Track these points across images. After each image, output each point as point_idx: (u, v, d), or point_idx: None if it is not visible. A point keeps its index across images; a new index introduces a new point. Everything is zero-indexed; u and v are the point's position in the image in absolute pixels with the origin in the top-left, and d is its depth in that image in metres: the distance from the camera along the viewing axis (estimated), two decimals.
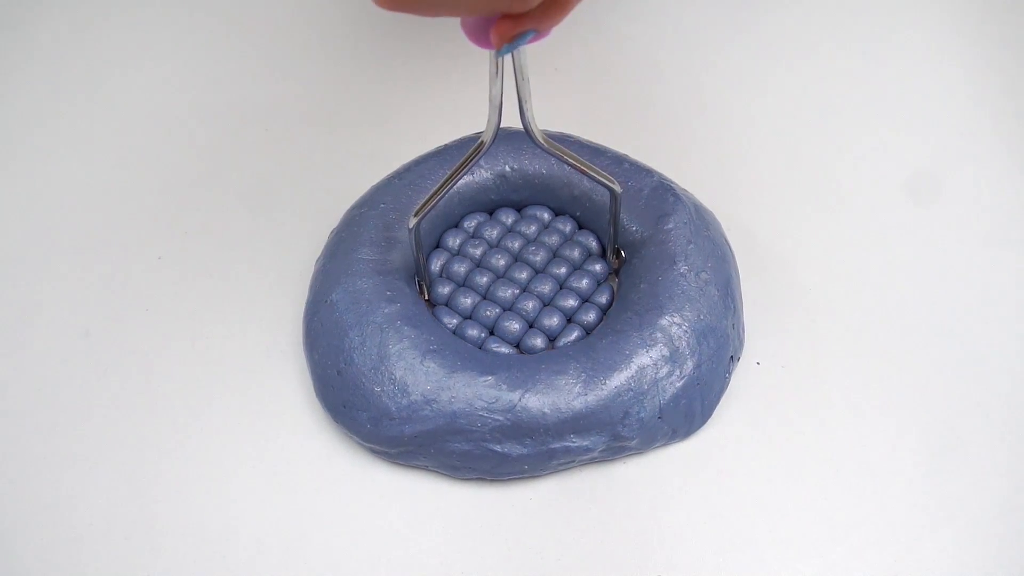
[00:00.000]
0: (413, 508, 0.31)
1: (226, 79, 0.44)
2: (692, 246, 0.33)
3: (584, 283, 0.34)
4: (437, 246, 0.36)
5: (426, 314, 0.33)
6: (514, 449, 0.30)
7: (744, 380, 0.34)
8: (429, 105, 0.42)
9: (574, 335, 0.33)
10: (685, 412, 0.32)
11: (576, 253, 0.35)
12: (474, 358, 0.32)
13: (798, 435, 0.33)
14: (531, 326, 0.34)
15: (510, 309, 0.34)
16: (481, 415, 0.30)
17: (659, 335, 0.32)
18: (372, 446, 0.32)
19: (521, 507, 0.31)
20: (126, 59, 0.45)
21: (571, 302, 0.34)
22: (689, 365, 0.32)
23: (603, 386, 0.31)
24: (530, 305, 0.34)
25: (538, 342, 0.33)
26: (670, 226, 0.34)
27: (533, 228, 0.36)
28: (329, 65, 0.44)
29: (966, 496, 0.31)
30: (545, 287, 0.34)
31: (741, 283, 0.35)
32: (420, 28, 0.44)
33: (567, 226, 0.36)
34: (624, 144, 0.38)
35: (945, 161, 0.40)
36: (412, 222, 0.31)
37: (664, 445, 0.32)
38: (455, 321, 0.34)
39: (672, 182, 0.36)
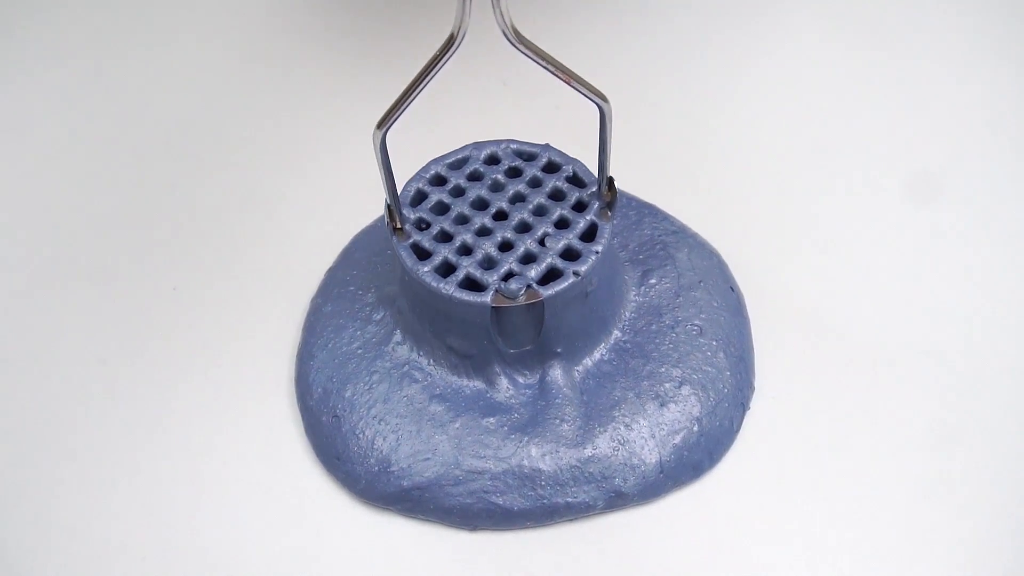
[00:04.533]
0: (414, 554, 0.31)
1: (235, 110, 0.44)
2: (680, 299, 0.33)
3: (578, 224, 0.30)
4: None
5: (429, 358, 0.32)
6: (515, 502, 0.30)
7: (753, 417, 0.33)
8: (433, 135, 0.41)
9: (567, 283, 0.29)
10: (692, 465, 0.31)
11: (564, 189, 0.31)
12: (476, 398, 0.31)
13: (808, 474, 0.32)
14: (511, 270, 0.30)
15: (493, 248, 0.30)
16: (483, 461, 0.30)
17: (645, 383, 0.31)
18: (368, 502, 0.31)
19: (527, 553, 0.31)
20: (138, 92, 0.45)
21: (561, 243, 0.30)
22: (686, 420, 0.31)
23: (598, 436, 0.30)
24: (510, 235, 0.30)
25: (520, 286, 0.29)
26: (653, 281, 0.34)
27: (519, 162, 0.32)
28: (340, 89, 0.44)
29: (992, 534, 0.31)
30: (532, 224, 0.31)
31: (751, 323, 0.34)
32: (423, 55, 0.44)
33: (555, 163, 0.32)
34: (630, 174, 0.37)
35: (953, 187, 0.39)
36: (377, 135, 0.28)
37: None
38: (429, 267, 0.30)
39: (670, 220, 0.35)
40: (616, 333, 0.33)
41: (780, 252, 0.38)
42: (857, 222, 0.39)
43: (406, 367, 0.32)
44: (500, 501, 0.30)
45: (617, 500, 0.30)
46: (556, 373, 0.32)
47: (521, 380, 0.32)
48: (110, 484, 0.33)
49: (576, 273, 0.29)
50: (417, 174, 0.32)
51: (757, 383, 0.34)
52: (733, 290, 0.35)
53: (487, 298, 0.29)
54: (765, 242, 0.38)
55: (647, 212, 0.36)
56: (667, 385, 0.31)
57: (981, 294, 0.36)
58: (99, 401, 0.35)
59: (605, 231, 0.30)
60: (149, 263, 0.39)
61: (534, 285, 0.29)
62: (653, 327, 0.33)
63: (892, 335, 0.35)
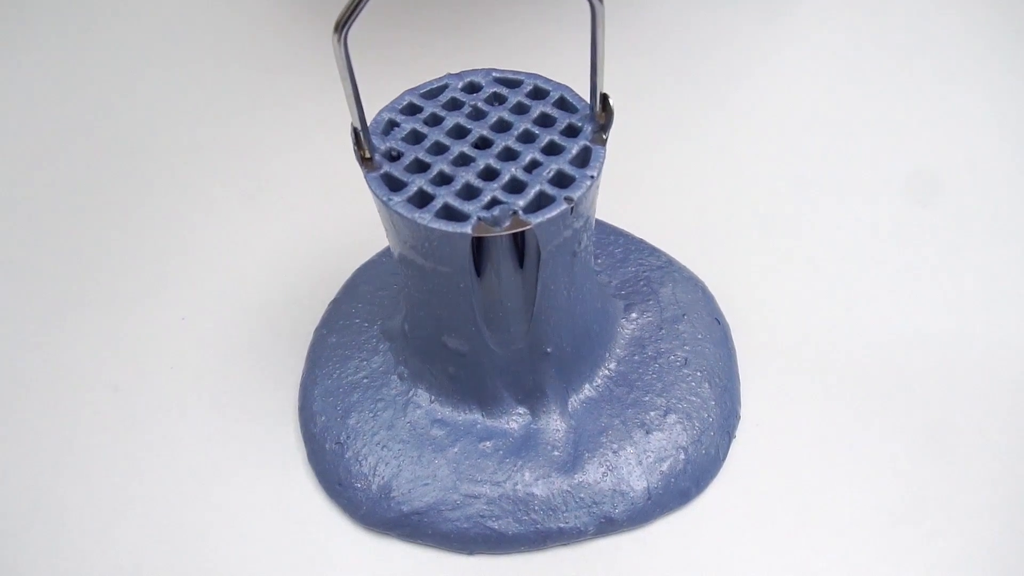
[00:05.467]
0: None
1: (241, 145, 0.46)
2: (663, 332, 0.34)
3: (570, 149, 0.27)
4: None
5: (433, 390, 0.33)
6: (510, 527, 0.31)
7: (739, 444, 0.34)
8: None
9: (558, 210, 0.26)
10: (679, 492, 0.32)
11: (553, 114, 0.28)
12: (474, 422, 0.32)
13: (793, 500, 0.33)
14: (495, 199, 0.26)
15: (475, 176, 0.27)
16: (479, 486, 0.31)
17: (629, 411, 0.32)
18: (368, 528, 0.32)
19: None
20: (148, 124, 0.47)
21: (552, 169, 0.27)
22: (672, 447, 0.32)
23: (587, 463, 0.31)
24: (494, 163, 0.27)
25: (505, 213, 0.26)
26: (634, 315, 0.34)
27: (497, 89, 0.29)
28: (345, 124, 0.45)
29: (974, 558, 0.31)
30: (518, 151, 0.27)
31: (738, 353, 0.35)
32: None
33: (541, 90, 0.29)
34: (620, 208, 0.38)
35: (936, 222, 0.41)
36: (337, 42, 0.24)
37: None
38: (402, 198, 0.26)
39: (657, 255, 0.36)
40: (611, 364, 0.34)
41: (767, 283, 0.39)
42: (845, 253, 0.40)
43: (411, 393, 0.33)
44: (496, 526, 0.31)
45: (607, 526, 0.31)
46: (548, 394, 0.32)
47: (517, 403, 0.32)
48: (121, 508, 0.34)
49: (568, 200, 0.26)
50: (388, 105, 0.29)
51: (743, 411, 0.35)
52: (719, 322, 0.36)
53: (468, 228, 0.26)
54: (753, 274, 0.39)
55: (634, 248, 0.37)
56: (652, 414, 0.32)
57: (962, 326, 0.37)
58: (112, 425, 0.36)
59: (600, 156, 0.27)
60: (160, 294, 0.40)
61: (520, 212, 0.26)
62: (636, 358, 0.33)
63: (875, 364, 0.36)
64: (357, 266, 0.39)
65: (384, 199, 0.26)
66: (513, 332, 0.30)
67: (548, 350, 0.31)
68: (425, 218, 0.26)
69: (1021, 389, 0.35)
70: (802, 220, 0.41)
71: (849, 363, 0.36)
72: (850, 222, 0.41)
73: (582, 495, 0.31)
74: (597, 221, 0.38)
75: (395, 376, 0.34)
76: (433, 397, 0.33)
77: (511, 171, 0.27)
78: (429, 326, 0.31)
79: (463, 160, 0.27)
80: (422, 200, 0.27)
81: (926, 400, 0.35)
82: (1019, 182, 0.42)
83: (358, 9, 0.23)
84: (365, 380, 0.34)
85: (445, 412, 0.33)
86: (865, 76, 0.48)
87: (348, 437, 0.33)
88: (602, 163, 0.27)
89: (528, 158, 0.27)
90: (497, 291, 0.28)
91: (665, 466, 0.32)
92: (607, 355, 0.34)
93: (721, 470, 0.33)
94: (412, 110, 0.29)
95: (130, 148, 0.46)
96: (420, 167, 0.27)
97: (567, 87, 0.29)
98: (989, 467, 0.33)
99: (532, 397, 0.33)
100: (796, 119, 0.46)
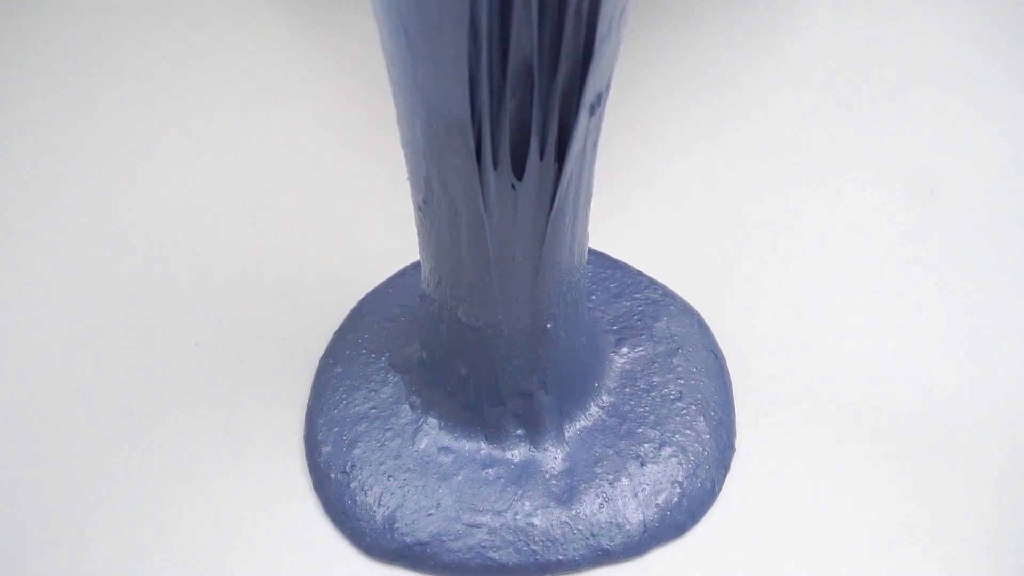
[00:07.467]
0: None
1: (253, 174, 0.46)
2: (656, 366, 0.34)
3: None
4: None
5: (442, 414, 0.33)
6: (511, 557, 0.31)
7: (734, 476, 0.34)
8: None
9: None
10: (675, 525, 0.32)
11: None
12: (477, 449, 0.33)
13: (787, 532, 0.33)
14: None
15: None
16: (481, 515, 0.32)
17: (623, 443, 0.32)
18: (372, 558, 0.33)
19: None
20: (158, 162, 0.48)
21: None
22: (667, 481, 0.32)
23: (584, 493, 0.32)
24: None
25: None
26: (625, 350, 0.35)
27: None
28: (352, 152, 0.46)
29: None
30: None
31: (735, 385, 0.36)
32: None
33: None
34: (618, 237, 0.39)
35: (932, 255, 0.41)
36: None
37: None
38: None
39: (654, 288, 0.36)
40: (603, 396, 0.34)
41: (765, 316, 0.39)
42: (843, 287, 0.40)
43: (421, 420, 0.33)
44: (496, 556, 0.31)
45: (604, 558, 0.32)
46: (544, 413, 0.33)
47: (517, 423, 0.33)
48: (130, 532, 0.35)
49: None
50: None
51: (738, 443, 0.35)
52: (716, 355, 0.36)
53: None
54: (751, 306, 0.40)
55: (630, 282, 0.38)
56: (646, 446, 0.33)
57: (957, 361, 0.38)
58: (126, 449, 0.37)
59: None
60: (174, 320, 0.41)
61: None
62: (627, 390, 0.34)
63: (870, 397, 0.37)
64: (362, 295, 0.39)
65: None
66: (520, 302, 0.29)
67: (548, 326, 0.30)
68: None
69: (1013, 423, 0.36)
70: (801, 254, 0.42)
71: (845, 396, 0.37)
72: (848, 256, 0.42)
73: (580, 527, 0.32)
74: (594, 252, 0.39)
75: (406, 405, 0.34)
76: (442, 424, 0.34)
77: None
78: (449, 298, 0.29)
79: None
80: None
81: (921, 433, 0.36)
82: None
83: None
84: (373, 410, 0.34)
85: (452, 439, 0.33)
86: (863, 108, 0.48)
87: (354, 467, 0.33)
88: None
89: None
90: (513, 199, 0.23)
91: (660, 499, 0.32)
92: (598, 385, 0.34)
93: (716, 502, 0.34)
94: None
95: (139, 176, 0.47)
96: None
97: None
98: (984, 499, 0.34)
99: (530, 414, 0.33)
100: (795, 152, 0.46)
